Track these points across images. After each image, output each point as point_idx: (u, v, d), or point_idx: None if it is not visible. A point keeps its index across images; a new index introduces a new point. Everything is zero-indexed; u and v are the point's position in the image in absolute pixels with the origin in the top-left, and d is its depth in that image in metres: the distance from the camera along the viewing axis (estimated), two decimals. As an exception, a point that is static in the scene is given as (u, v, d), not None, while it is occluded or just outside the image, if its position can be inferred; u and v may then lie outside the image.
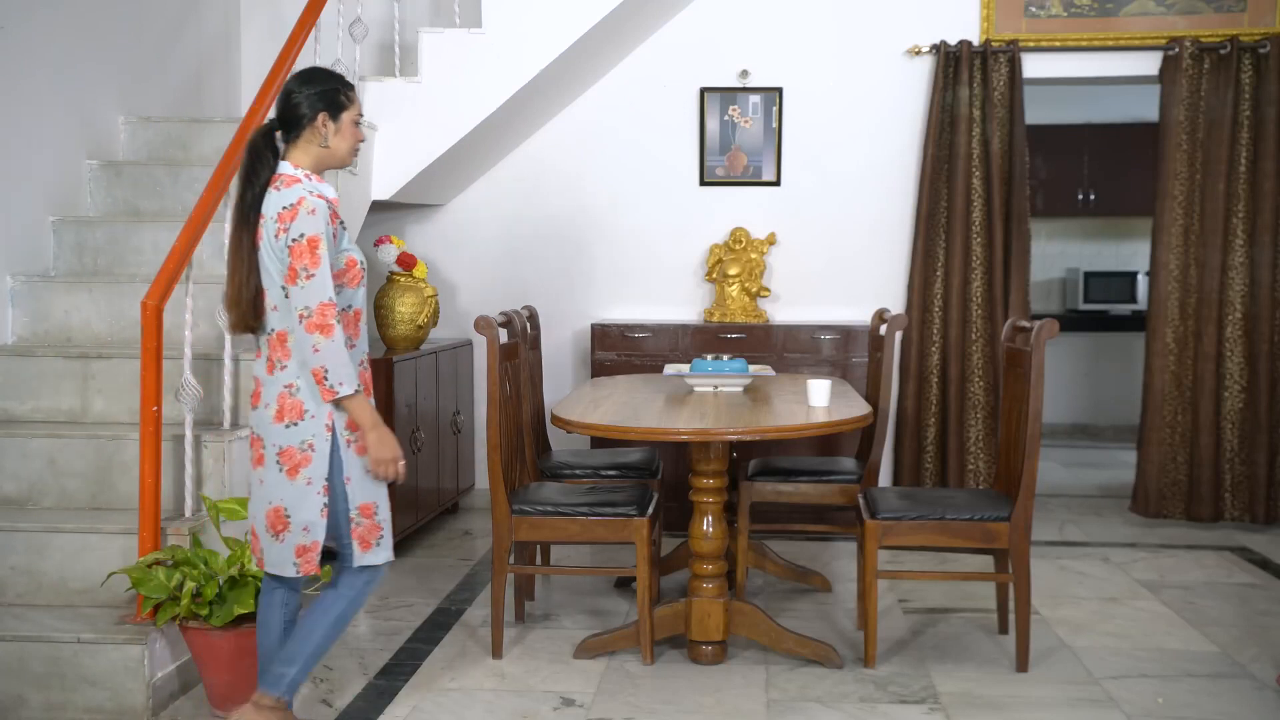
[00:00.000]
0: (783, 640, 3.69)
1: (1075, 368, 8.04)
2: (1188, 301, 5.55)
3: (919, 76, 5.68)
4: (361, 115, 2.98)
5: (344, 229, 2.92)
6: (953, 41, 5.57)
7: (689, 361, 4.79)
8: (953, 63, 5.56)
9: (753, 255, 5.65)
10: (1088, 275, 8.29)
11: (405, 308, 5.11)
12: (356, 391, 2.79)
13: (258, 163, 2.85)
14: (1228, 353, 5.50)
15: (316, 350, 2.73)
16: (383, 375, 4.72)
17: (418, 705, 3.37)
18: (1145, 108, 6.71)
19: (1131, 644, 3.89)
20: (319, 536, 2.83)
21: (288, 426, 2.81)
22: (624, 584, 4.54)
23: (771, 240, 5.72)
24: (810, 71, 5.73)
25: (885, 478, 5.65)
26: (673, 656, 3.74)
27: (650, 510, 3.76)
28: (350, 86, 2.94)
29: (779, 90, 5.74)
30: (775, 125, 5.75)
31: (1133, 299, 8.21)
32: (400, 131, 4.97)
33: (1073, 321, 7.98)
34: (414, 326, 5.13)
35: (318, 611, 2.92)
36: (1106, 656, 3.76)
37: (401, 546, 5.12)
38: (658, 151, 5.82)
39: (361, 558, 2.88)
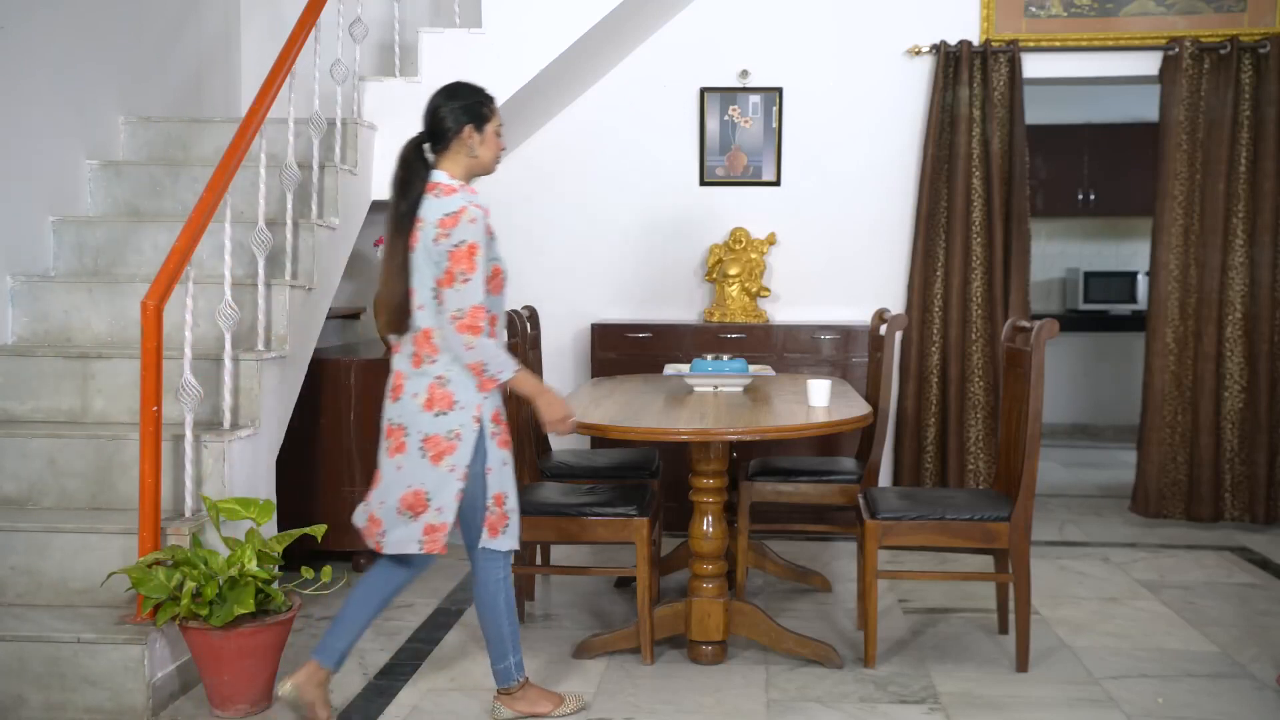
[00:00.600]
0: (783, 640, 3.69)
1: (1075, 368, 8.04)
2: (1188, 301, 5.55)
3: (919, 76, 5.69)
4: (502, 124, 3.16)
5: (494, 239, 3.09)
6: (953, 41, 5.57)
7: (689, 361, 4.79)
8: (953, 63, 5.56)
9: (753, 255, 5.65)
10: (1088, 275, 8.30)
11: (405, 308, 5.10)
12: (516, 372, 3.03)
13: (410, 173, 3.04)
14: (1228, 353, 5.50)
15: (470, 348, 2.95)
16: (383, 375, 4.69)
17: (418, 705, 3.37)
18: (1145, 108, 6.71)
19: (1131, 644, 3.89)
20: (449, 519, 3.02)
21: (436, 415, 2.99)
22: (624, 584, 4.55)
23: (771, 240, 5.72)
24: (810, 71, 5.73)
25: (885, 478, 5.65)
26: (673, 656, 3.74)
27: (650, 510, 3.76)
28: (491, 99, 3.12)
29: (779, 90, 5.74)
30: (775, 125, 5.75)
31: (1133, 299, 8.21)
32: (400, 131, 4.87)
33: (1073, 321, 7.98)
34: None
35: (487, 607, 3.16)
36: (1106, 656, 3.76)
37: (401, 546, 5.12)
38: (658, 151, 5.82)
39: (488, 541, 3.09)
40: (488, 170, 3.13)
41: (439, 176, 3.05)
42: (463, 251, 2.92)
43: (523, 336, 4.23)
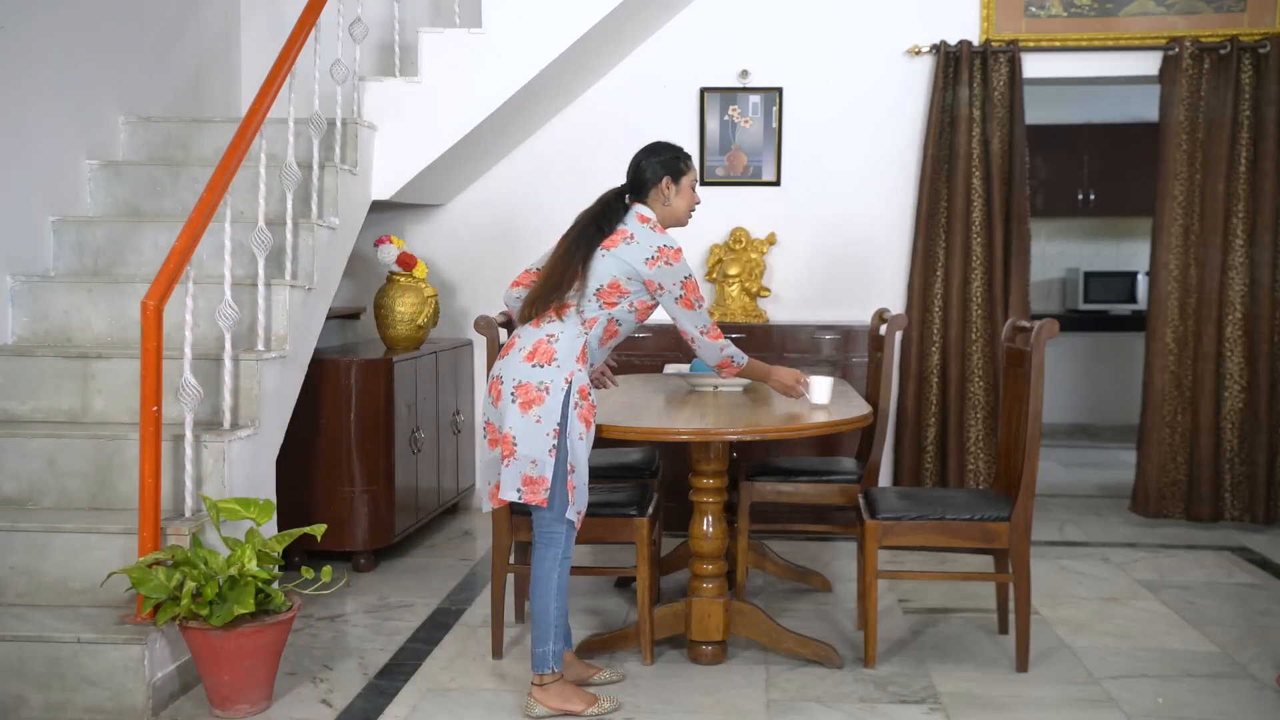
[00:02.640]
0: (783, 640, 3.69)
1: (1075, 368, 8.04)
2: (1188, 301, 5.55)
3: (919, 76, 5.69)
4: (698, 180, 3.49)
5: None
6: (953, 41, 5.57)
7: (689, 361, 4.79)
8: (953, 63, 5.56)
9: (753, 255, 5.65)
10: (1088, 275, 8.30)
11: (405, 308, 5.11)
12: (748, 360, 3.50)
13: (610, 212, 3.36)
14: (1228, 353, 5.50)
15: (723, 349, 3.43)
16: (383, 375, 4.72)
17: (418, 705, 3.37)
18: (1145, 108, 6.71)
19: (1131, 644, 3.89)
20: (546, 473, 3.16)
21: (534, 366, 3.19)
22: (624, 584, 4.55)
23: (771, 240, 5.72)
24: (810, 71, 5.73)
25: (885, 478, 5.65)
26: (673, 656, 3.74)
27: (650, 510, 3.76)
28: (688, 156, 3.47)
29: (779, 90, 5.74)
30: (775, 125, 5.75)
31: (1133, 299, 8.21)
32: (400, 131, 4.97)
33: (1073, 321, 7.98)
34: (414, 326, 5.14)
35: (540, 583, 3.26)
36: (1106, 656, 3.76)
37: (401, 546, 5.12)
38: (658, 151, 5.81)
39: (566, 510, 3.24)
40: (680, 221, 3.46)
41: (645, 210, 3.37)
42: (693, 283, 3.35)
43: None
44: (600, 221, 3.33)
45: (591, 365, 3.33)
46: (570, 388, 3.18)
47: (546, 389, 3.17)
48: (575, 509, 3.22)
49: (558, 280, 3.27)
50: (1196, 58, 5.47)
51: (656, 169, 3.39)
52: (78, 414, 3.98)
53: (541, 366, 3.18)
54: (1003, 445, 3.84)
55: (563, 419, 3.17)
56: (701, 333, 3.40)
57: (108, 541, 3.47)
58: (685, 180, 3.43)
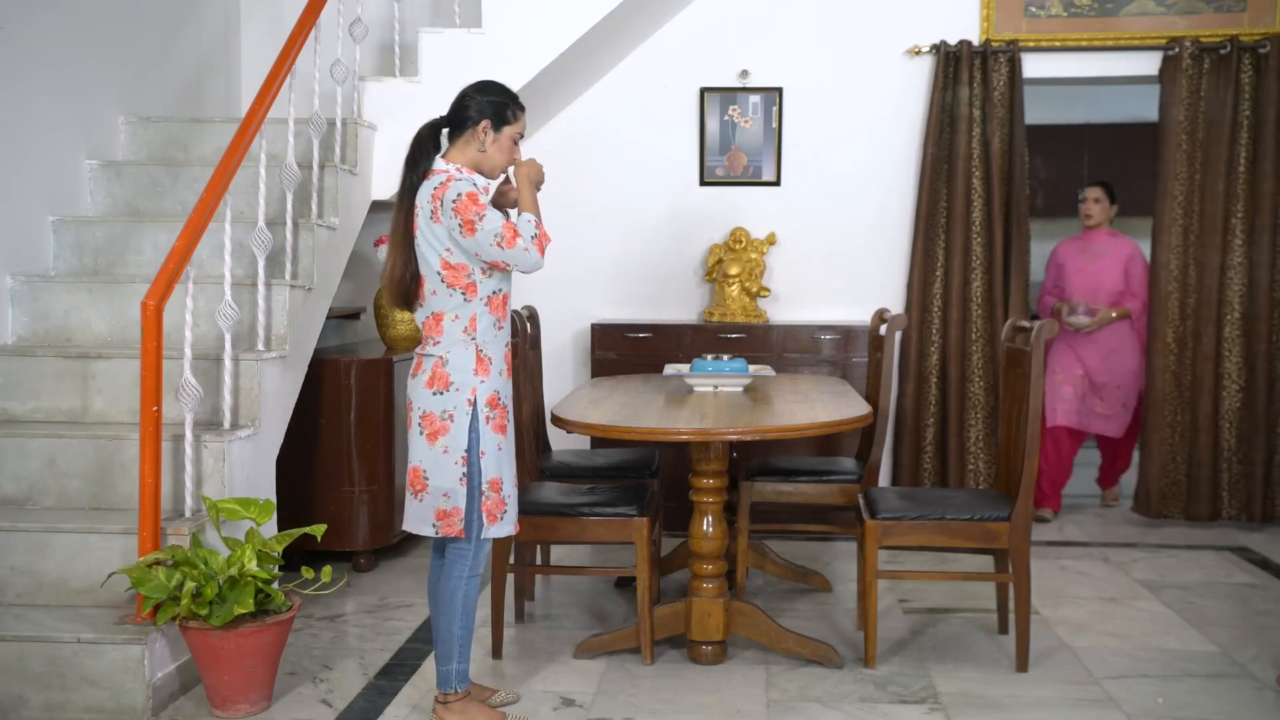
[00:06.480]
0: (783, 640, 3.69)
1: (1075, 368, 8.02)
2: (1187, 301, 5.55)
3: (919, 76, 5.69)
4: (523, 135, 3.18)
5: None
6: (953, 41, 5.57)
7: (689, 361, 4.79)
8: (953, 63, 5.56)
9: (753, 255, 5.65)
10: (1088, 275, 8.28)
11: (405, 308, 5.10)
12: (533, 219, 3.07)
13: (420, 152, 3.09)
14: (1226, 352, 5.50)
15: (526, 250, 2.99)
16: (383, 375, 4.72)
17: (418, 705, 3.37)
18: (1145, 108, 6.70)
19: (1131, 644, 3.89)
20: (459, 503, 3.04)
21: (434, 394, 3.04)
22: (624, 584, 4.55)
23: (771, 240, 5.72)
24: (810, 71, 5.73)
25: (885, 478, 5.66)
26: (673, 656, 3.74)
27: (650, 510, 3.76)
28: (521, 108, 3.16)
29: (779, 90, 5.74)
30: (775, 125, 5.75)
31: (1132, 299, 8.19)
32: (400, 131, 4.93)
33: (1073, 321, 7.97)
34: (413, 326, 5.13)
35: (444, 601, 3.12)
36: (1106, 656, 3.77)
37: (402, 546, 5.12)
38: (658, 151, 5.82)
39: (488, 530, 3.09)
40: (492, 173, 3.15)
41: (437, 164, 3.09)
42: (465, 201, 2.96)
43: (523, 336, 4.23)
44: (412, 167, 3.06)
45: (505, 346, 3.14)
46: (476, 407, 3.03)
47: (451, 416, 3.02)
48: (507, 526, 3.11)
49: (400, 273, 3.06)
50: (1196, 58, 5.47)
51: (483, 108, 3.08)
52: (78, 414, 3.98)
53: (441, 393, 3.03)
54: (1003, 445, 3.84)
55: (471, 443, 3.03)
56: (497, 245, 2.97)
57: (108, 541, 3.47)
58: (508, 131, 3.11)
